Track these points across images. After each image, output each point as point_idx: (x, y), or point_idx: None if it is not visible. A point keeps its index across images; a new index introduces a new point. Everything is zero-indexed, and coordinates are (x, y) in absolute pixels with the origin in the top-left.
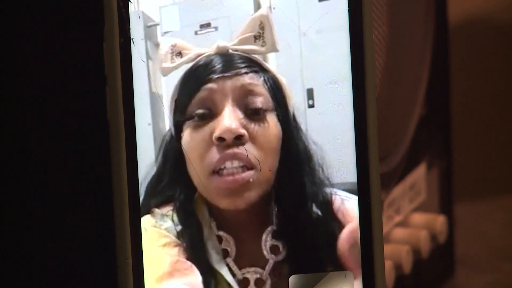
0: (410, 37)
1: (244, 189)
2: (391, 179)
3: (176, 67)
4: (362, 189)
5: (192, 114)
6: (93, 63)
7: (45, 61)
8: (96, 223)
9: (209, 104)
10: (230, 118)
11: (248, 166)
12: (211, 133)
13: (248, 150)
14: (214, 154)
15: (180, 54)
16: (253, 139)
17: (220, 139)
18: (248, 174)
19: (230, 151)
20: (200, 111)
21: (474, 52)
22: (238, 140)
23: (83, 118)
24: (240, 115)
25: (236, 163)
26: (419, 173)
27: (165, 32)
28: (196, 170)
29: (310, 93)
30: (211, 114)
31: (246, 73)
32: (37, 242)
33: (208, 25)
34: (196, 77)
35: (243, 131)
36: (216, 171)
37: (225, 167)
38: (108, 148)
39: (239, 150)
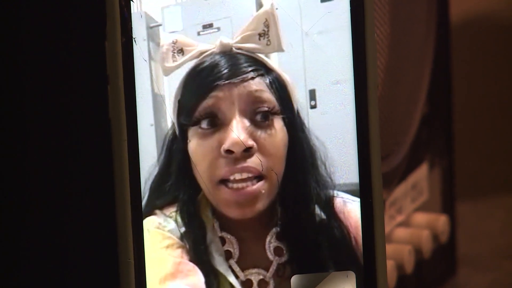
0: (412, 37)
1: (253, 201)
2: (393, 179)
3: (178, 66)
4: (364, 189)
5: (199, 121)
6: (95, 62)
7: (47, 60)
8: (98, 223)
9: (216, 112)
10: (238, 130)
11: (258, 177)
12: (219, 144)
13: (257, 161)
14: (223, 166)
15: (181, 51)
16: (261, 148)
17: (229, 151)
18: (258, 186)
19: (239, 165)
20: (207, 118)
21: (476, 51)
22: (247, 152)
23: (84, 118)
24: (248, 124)
25: (245, 175)
26: (421, 172)
27: (168, 33)
28: (204, 179)
29: (312, 94)
30: (218, 123)
31: (252, 78)
32: (39, 242)
33: (210, 25)
34: (201, 81)
35: (251, 143)
36: (224, 182)
37: (234, 179)
38: (110, 148)
39: (248, 163)
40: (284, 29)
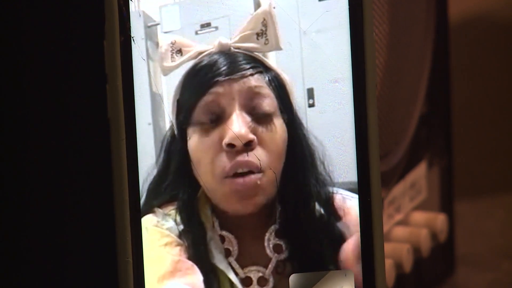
0: (410, 36)
1: (253, 193)
2: (391, 178)
3: (177, 66)
4: (363, 188)
5: (199, 118)
6: (93, 61)
7: (46, 59)
8: (96, 222)
9: (216, 108)
10: (239, 124)
11: (257, 170)
12: (220, 139)
13: (258, 155)
14: (224, 161)
15: (180, 51)
16: (261, 143)
17: (230, 145)
18: (257, 176)
19: (241, 158)
20: (207, 115)
21: (474, 50)
22: (248, 146)
23: (83, 117)
24: (248, 119)
25: (246, 169)
26: (420, 171)
27: (166, 32)
28: (205, 175)
29: (310, 92)
30: (218, 118)
31: (251, 74)
32: (38, 241)
33: (208, 24)
34: (200, 79)
35: (252, 136)
36: (226, 177)
37: (235, 173)
38: (108, 147)
39: (250, 157)
40: (282, 28)
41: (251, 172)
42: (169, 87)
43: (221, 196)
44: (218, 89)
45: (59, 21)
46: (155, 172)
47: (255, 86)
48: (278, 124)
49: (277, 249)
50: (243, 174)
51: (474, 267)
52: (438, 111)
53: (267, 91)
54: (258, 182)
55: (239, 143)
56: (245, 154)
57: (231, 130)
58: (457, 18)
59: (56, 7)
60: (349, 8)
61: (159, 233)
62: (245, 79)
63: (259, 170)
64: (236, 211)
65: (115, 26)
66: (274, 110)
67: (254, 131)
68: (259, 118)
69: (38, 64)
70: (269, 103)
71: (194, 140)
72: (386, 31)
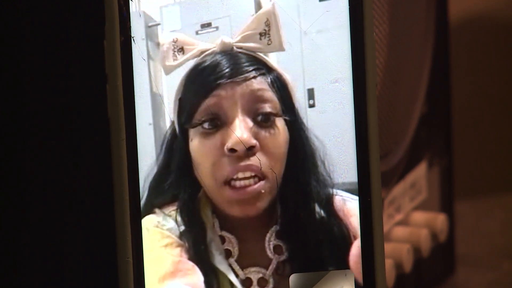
0: (410, 36)
1: (255, 199)
2: (391, 178)
3: (179, 65)
4: (363, 188)
5: (201, 120)
6: (93, 61)
7: (46, 59)
8: (97, 223)
9: (218, 111)
10: (241, 129)
11: (259, 176)
12: (222, 143)
13: (260, 160)
14: (226, 165)
15: (182, 50)
16: (263, 147)
17: (232, 150)
18: (260, 185)
19: (242, 163)
20: (209, 118)
21: (474, 50)
22: (250, 150)
23: (83, 117)
24: (250, 123)
25: (248, 174)
26: (420, 171)
27: (168, 32)
28: (207, 178)
29: (311, 93)
30: (220, 122)
31: (254, 77)
32: (38, 241)
33: (209, 25)
34: (203, 80)
35: (254, 141)
36: (228, 181)
37: (237, 177)
38: (109, 147)
39: (251, 162)
40: (282, 28)
41: (254, 177)
42: (169, 87)
43: (222, 200)
44: (221, 92)
45: (59, 21)
46: (155, 171)
47: (258, 89)
48: (280, 125)
49: (277, 250)
50: (246, 180)
51: (474, 267)
52: (438, 111)
53: (269, 94)
54: (263, 191)
55: (241, 148)
56: (246, 159)
57: (233, 135)
58: (457, 18)
59: (56, 7)
60: (349, 8)
61: (159, 234)
62: (247, 82)
63: (262, 175)
64: (238, 215)
65: (115, 26)
66: (276, 112)
67: (256, 136)
68: (261, 121)
69: (38, 64)
70: (271, 106)
71: (195, 142)
72: (386, 31)
